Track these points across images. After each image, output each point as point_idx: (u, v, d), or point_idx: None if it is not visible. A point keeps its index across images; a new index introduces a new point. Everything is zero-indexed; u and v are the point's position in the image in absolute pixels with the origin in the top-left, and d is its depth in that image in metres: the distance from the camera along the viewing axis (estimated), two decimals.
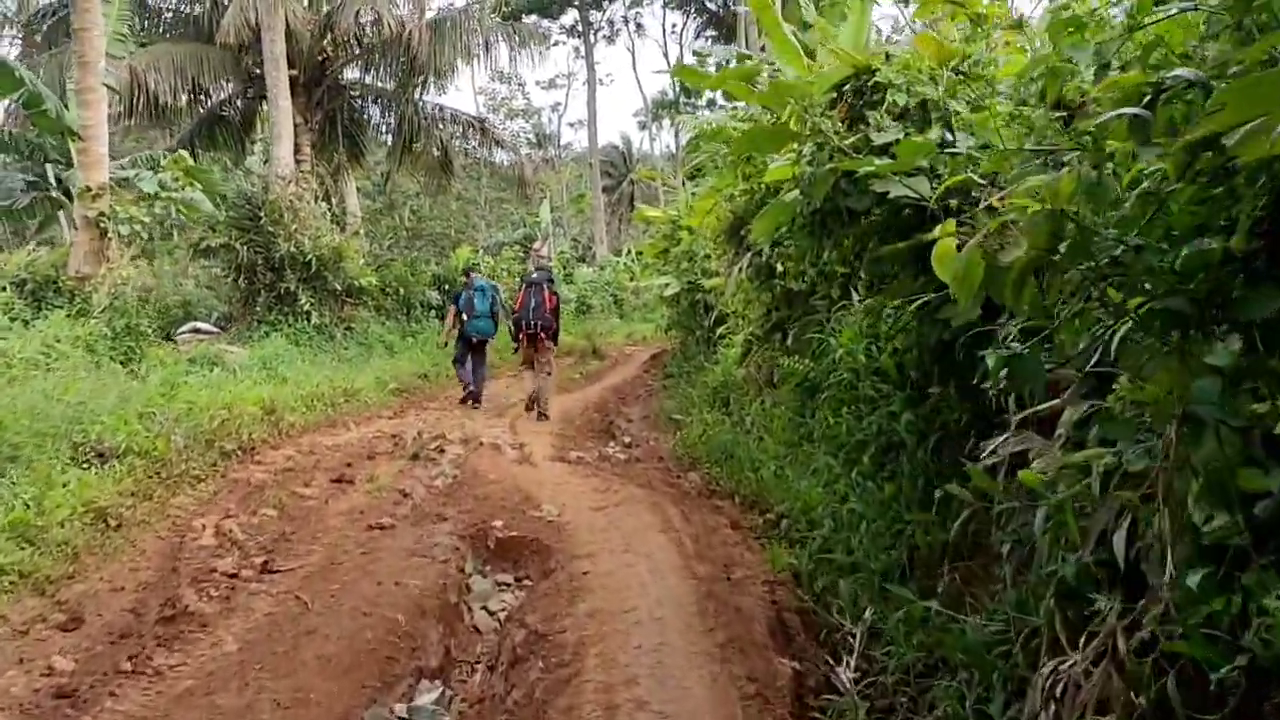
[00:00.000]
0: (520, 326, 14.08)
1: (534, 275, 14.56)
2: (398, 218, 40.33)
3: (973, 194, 4.33)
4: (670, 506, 8.26)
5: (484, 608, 6.87)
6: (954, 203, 4.24)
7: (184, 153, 15.97)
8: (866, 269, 5.49)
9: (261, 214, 19.05)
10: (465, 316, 15.61)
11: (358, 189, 39.93)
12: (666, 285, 13.39)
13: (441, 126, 24.48)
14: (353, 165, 25.98)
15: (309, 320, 19.27)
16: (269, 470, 9.78)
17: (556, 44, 50.44)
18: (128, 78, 19.39)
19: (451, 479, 10.31)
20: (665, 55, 68.78)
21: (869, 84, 5.18)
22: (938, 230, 3.56)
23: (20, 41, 30.89)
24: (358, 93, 24.50)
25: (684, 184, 15.35)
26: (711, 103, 49.04)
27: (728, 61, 14.71)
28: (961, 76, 5.08)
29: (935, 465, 5.64)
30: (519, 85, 53.39)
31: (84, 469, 8.09)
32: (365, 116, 24.83)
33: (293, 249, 18.97)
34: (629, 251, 42.98)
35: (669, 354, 21.03)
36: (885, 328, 6.30)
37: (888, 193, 4.74)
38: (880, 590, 5.39)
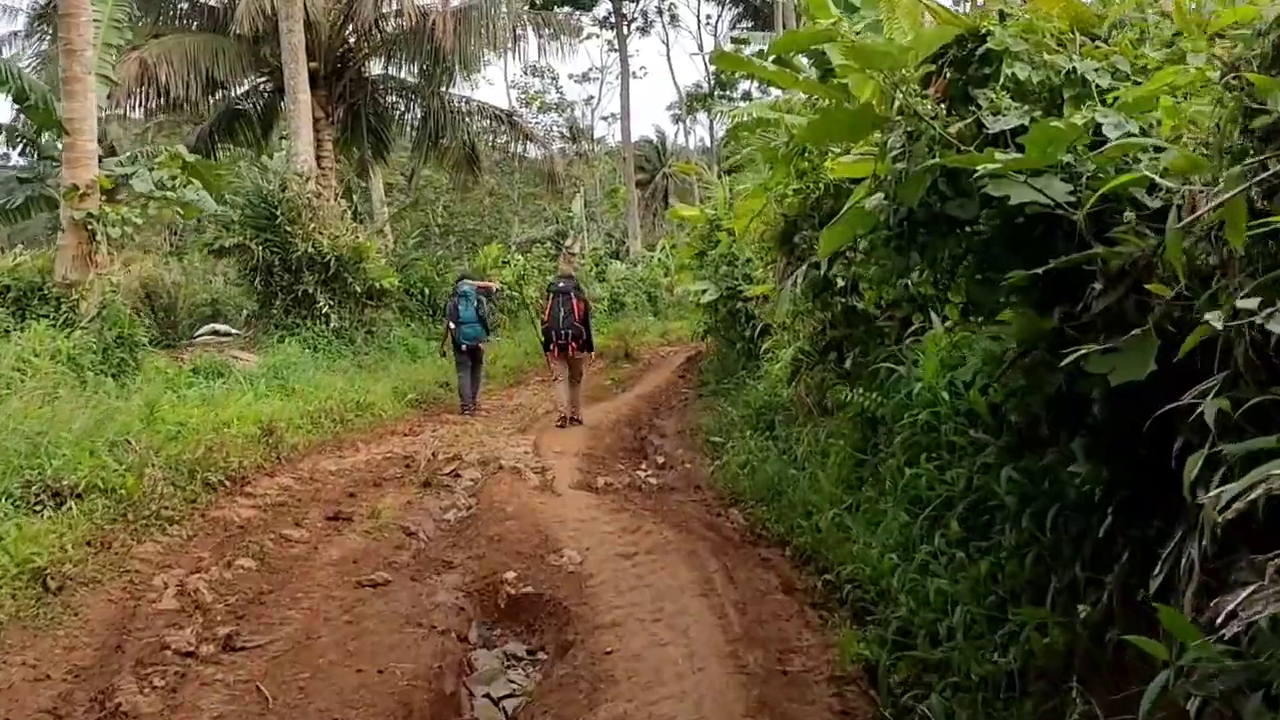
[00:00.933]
0: (550, 337, 13.36)
1: (560, 284, 13.76)
2: (429, 213, 39.46)
3: (1144, 202, 3.06)
4: (710, 559, 7.01)
5: (487, 694, 5.65)
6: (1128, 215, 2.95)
7: (181, 148, 14.84)
8: (967, 292, 4.21)
9: (278, 212, 17.97)
10: (453, 325, 15.43)
11: (389, 185, 39.13)
12: (704, 291, 12.13)
13: (469, 120, 23.28)
14: (378, 161, 24.87)
15: (328, 324, 18.18)
16: (258, 505, 8.61)
17: (589, 37, 49.20)
18: (137, 70, 18.35)
19: (465, 512, 9.15)
20: (700, 47, 67.51)
21: (976, 53, 3.89)
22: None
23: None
24: (382, 85, 23.34)
25: (721, 178, 14.08)
26: (747, 95, 47.75)
27: (767, 50, 13.44)
28: (1101, 44, 3.80)
29: (1048, 542, 4.37)
30: (552, 79, 52.06)
31: (32, 514, 6.93)
32: (391, 110, 23.67)
33: (310, 249, 17.87)
34: (662, 247, 41.71)
35: (704, 356, 19.77)
36: (979, 363, 5.03)
37: (1005, 197, 3.47)
38: (985, 711, 4.14)
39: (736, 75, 41.85)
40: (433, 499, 9.52)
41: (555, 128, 52.41)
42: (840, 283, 6.06)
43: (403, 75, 23.79)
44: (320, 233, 18.19)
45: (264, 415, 11.11)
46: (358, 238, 20.43)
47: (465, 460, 11.02)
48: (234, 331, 21.79)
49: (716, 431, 10.86)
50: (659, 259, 37.92)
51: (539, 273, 28.14)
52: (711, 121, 49.98)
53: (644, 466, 11.24)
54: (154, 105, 19.59)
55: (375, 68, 23.62)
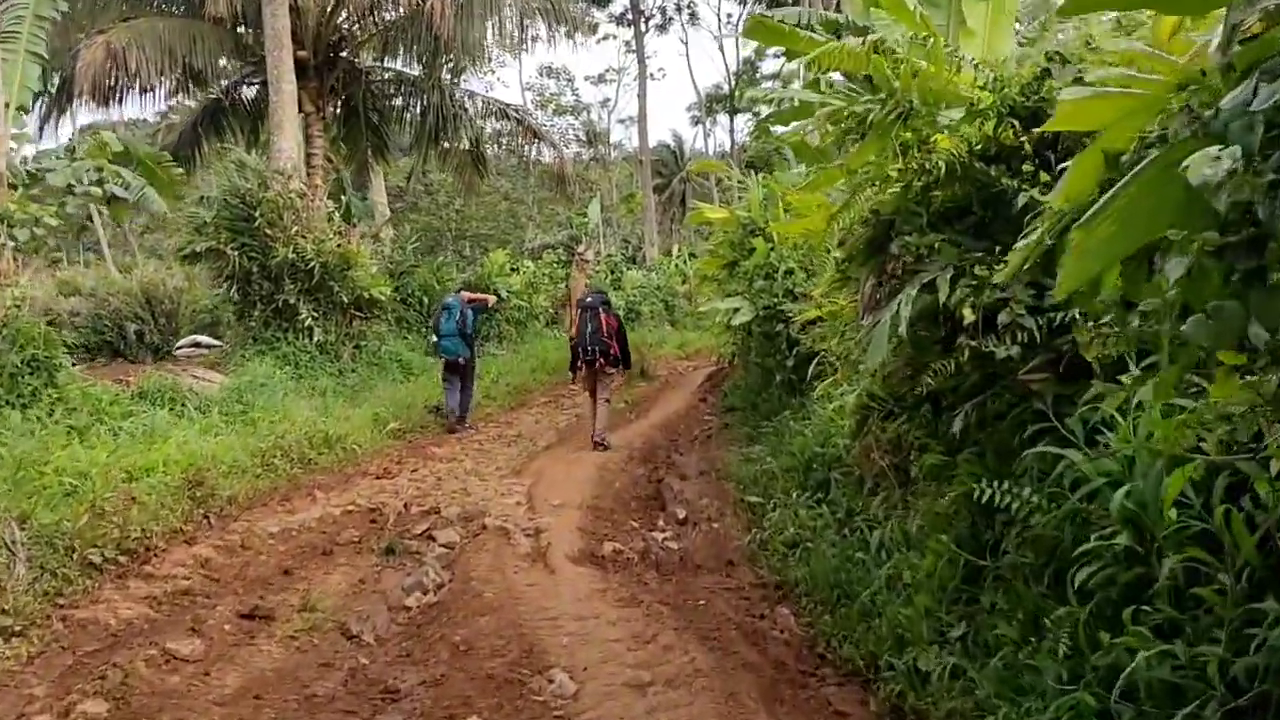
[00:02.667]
0: (578, 354, 12.61)
1: (588, 299, 12.97)
2: (443, 217, 37.42)
3: None
4: (757, 706, 4.78)
5: None
6: None
7: (110, 135, 12.65)
8: None
9: (256, 214, 15.79)
10: (435, 338, 14.60)
11: (400, 188, 36.98)
12: (735, 310, 9.82)
13: (473, 116, 21.05)
14: (378, 160, 22.67)
15: (311, 337, 16.02)
16: (150, 597, 6.38)
17: (606, 38, 47.03)
18: (103, 56, 16.19)
19: (432, 596, 6.94)
20: (720, 48, 65.29)
21: None
22: None
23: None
24: (380, 78, 21.12)
25: (751, 175, 11.77)
26: (770, 101, 45.35)
27: (807, 24, 11.19)
28: None
29: None
30: (567, 81, 49.98)
31: None
32: (390, 105, 21.44)
33: (292, 255, 15.70)
34: (679, 252, 39.56)
35: (726, 375, 17.52)
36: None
37: None
38: None
39: (759, 74, 39.63)
40: (394, 575, 7.31)
41: (571, 131, 50.21)
42: (968, 316, 3.84)
43: (402, 67, 21.54)
44: (304, 237, 16.03)
45: (200, 457, 8.92)
46: (350, 242, 18.36)
47: (443, 515, 8.80)
48: (216, 343, 19.69)
49: (752, 485, 8.60)
50: (676, 265, 35.79)
51: (550, 280, 26.02)
52: (732, 122, 47.57)
53: (661, 523, 8.98)
54: (120, 94, 17.37)
55: (372, 58, 21.39)
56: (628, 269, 34.36)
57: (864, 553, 6.08)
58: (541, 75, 49.85)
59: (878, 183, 4.30)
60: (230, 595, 6.54)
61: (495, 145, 23.36)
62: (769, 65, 44.02)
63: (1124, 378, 3.69)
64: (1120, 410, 3.62)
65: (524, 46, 26.77)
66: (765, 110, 15.42)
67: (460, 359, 14.42)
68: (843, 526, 6.72)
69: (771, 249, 9.61)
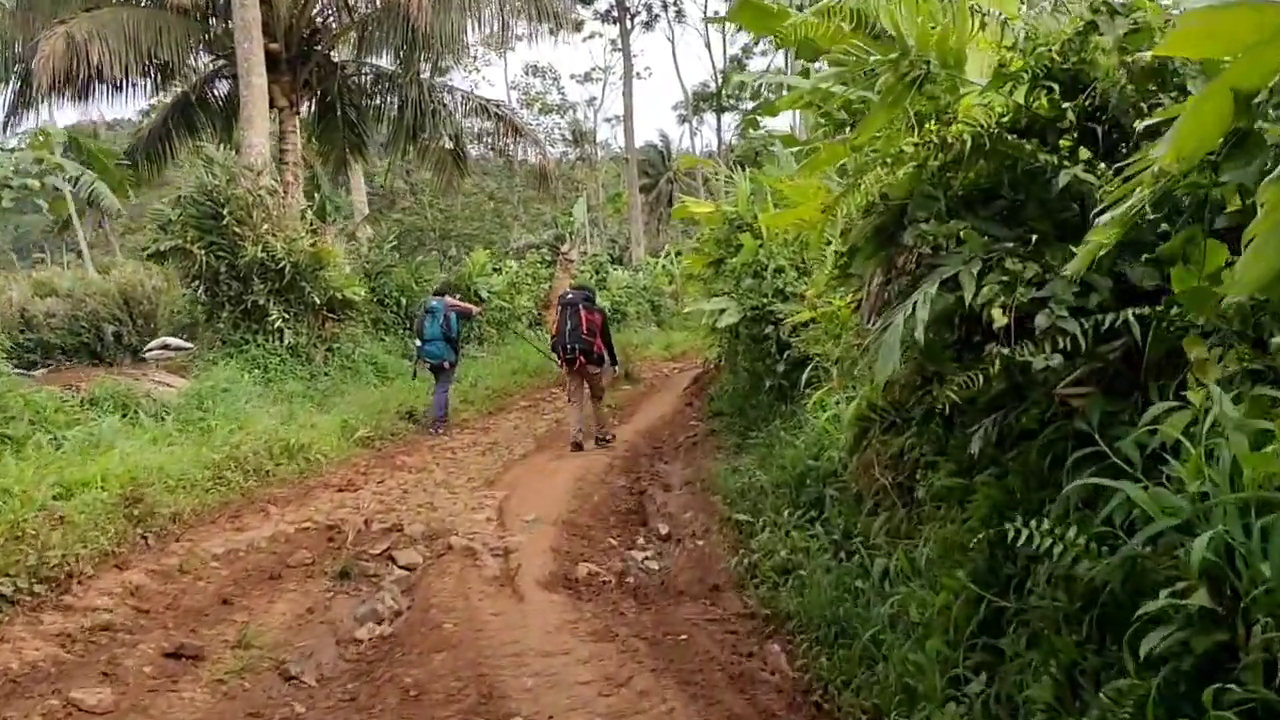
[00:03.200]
0: (558, 352, 12.16)
1: (569, 295, 12.49)
2: (426, 217, 36.67)
3: None
4: None
5: None
6: None
7: (53, 125, 11.92)
8: None
9: (224, 211, 15.05)
10: (418, 342, 14.30)
11: (387, 189, 36.16)
12: (721, 312, 9.07)
13: (452, 112, 20.28)
14: (355, 157, 21.92)
15: (281, 339, 15.28)
16: (64, 633, 5.64)
17: (592, 36, 46.27)
18: (63, 48, 15.41)
19: (387, 626, 6.25)
20: (707, 45, 64.57)
21: None
22: None
23: None
24: (354, 72, 20.34)
25: (739, 170, 11.05)
26: (757, 95, 44.69)
27: (800, 4, 10.49)
28: None
29: None
30: (553, 79, 49.13)
31: None
32: (368, 100, 20.66)
33: (261, 254, 14.97)
34: (667, 252, 38.85)
35: (713, 377, 16.83)
36: None
37: None
38: None
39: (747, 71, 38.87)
40: (346, 602, 6.61)
41: (557, 130, 49.46)
42: (999, 319, 3.14)
43: (379, 62, 20.77)
44: (274, 235, 15.31)
45: (143, 470, 8.19)
46: (325, 241, 17.65)
47: (406, 532, 8.09)
48: (187, 345, 18.90)
49: (740, 500, 7.89)
50: (663, 266, 35.11)
51: (533, 280, 25.28)
52: (719, 121, 46.83)
53: (641, 541, 8.30)
54: (84, 87, 16.60)
55: (348, 52, 20.64)
56: (613, 269, 33.64)
57: (864, 581, 5.39)
58: (527, 74, 49.00)
59: (888, 162, 3.62)
60: (158, 630, 5.82)
61: (477, 143, 22.60)
62: (757, 64, 43.39)
63: (1190, 394, 3.02)
64: (1187, 434, 2.94)
65: (506, 42, 26.11)
66: (754, 101, 14.77)
67: (445, 363, 14.08)
68: (839, 550, 6.03)
69: (760, 245, 8.89)
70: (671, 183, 55.66)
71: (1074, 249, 3.26)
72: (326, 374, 15.38)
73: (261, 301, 15.15)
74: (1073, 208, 3.42)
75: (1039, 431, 3.84)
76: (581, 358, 11.84)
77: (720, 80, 43.71)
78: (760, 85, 10.40)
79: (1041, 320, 3.19)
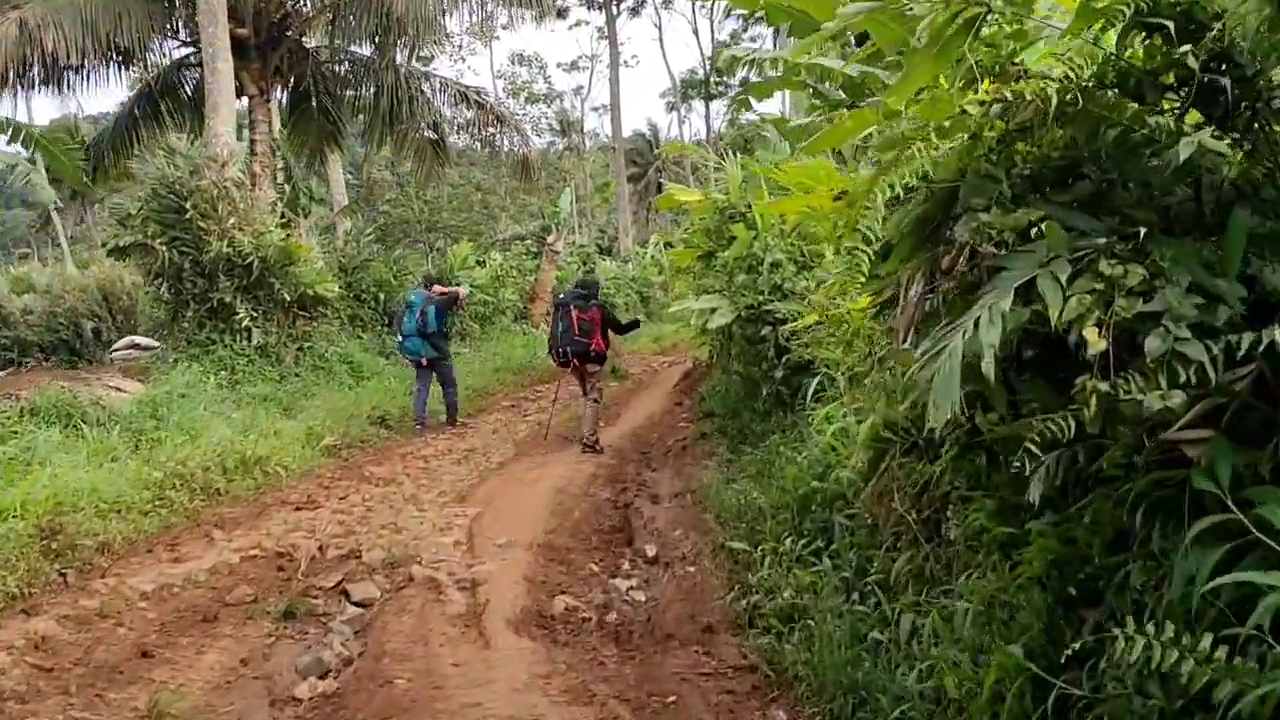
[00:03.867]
0: (553, 357, 11.85)
1: (560, 296, 12.36)
2: (414, 209, 35.76)
3: None
4: None
5: None
6: None
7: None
8: None
9: (187, 205, 14.11)
10: (400, 338, 13.90)
11: (369, 176, 35.14)
12: (713, 311, 8.09)
13: (430, 99, 19.28)
14: (331, 147, 20.94)
15: (249, 339, 14.35)
16: None
17: (579, 24, 45.22)
18: (15, 33, 14.44)
19: (332, 680, 5.36)
20: (695, 31, 63.45)
21: None
22: None
23: None
24: (329, 59, 19.33)
25: (730, 157, 10.09)
26: (746, 82, 43.57)
27: None
28: None
29: None
30: (539, 68, 48.07)
31: None
32: (343, 88, 19.64)
33: (227, 249, 14.04)
34: (655, 242, 37.96)
35: (702, 374, 15.95)
36: None
37: None
38: None
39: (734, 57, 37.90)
40: (288, 651, 5.72)
41: (544, 120, 48.43)
42: (1095, 342, 2.26)
43: (355, 47, 19.76)
44: (241, 229, 14.36)
45: (71, 494, 7.28)
46: (297, 235, 16.77)
47: (365, 560, 7.20)
48: (156, 345, 17.99)
49: (735, 522, 7.00)
50: (652, 256, 34.22)
51: (518, 272, 24.37)
52: (708, 109, 45.72)
53: (626, 565, 7.42)
54: (37, 75, 15.64)
55: (322, 37, 19.63)
56: (602, 260, 32.71)
57: (884, 633, 4.53)
58: (513, 63, 47.90)
59: (931, 134, 2.73)
60: (56, 697, 4.91)
61: (458, 132, 21.66)
62: (747, 44, 42.33)
63: None
64: None
65: (489, 28, 25.09)
66: (750, 79, 13.74)
67: (423, 359, 13.42)
68: (852, 590, 5.16)
69: (755, 237, 7.97)
70: (660, 172, 54.68)
71: (1190, 243, 2.39)
72: (297, 375, 14.45)
73: (228, 299, 14.23)
74: (1184, 190, 2.53)
75: (1123, 479, 2.97)
76: (576, 360, 11.41)
77: (708, 67, 42.68)
78: (753, 60, 9.43)
79: (1154, 344, 2.31)
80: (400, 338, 13.89)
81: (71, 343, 22.86)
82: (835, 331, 5.43)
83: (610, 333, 11.99)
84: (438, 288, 14.22)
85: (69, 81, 17.66)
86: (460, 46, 44.08)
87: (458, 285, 16.21)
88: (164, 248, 14.11)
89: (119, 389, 12.00)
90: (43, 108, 70.30)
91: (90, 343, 22.37)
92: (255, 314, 14.44)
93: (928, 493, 4.70)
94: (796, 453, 6.58)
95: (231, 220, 14.34)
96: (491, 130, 21.42)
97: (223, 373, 13.74)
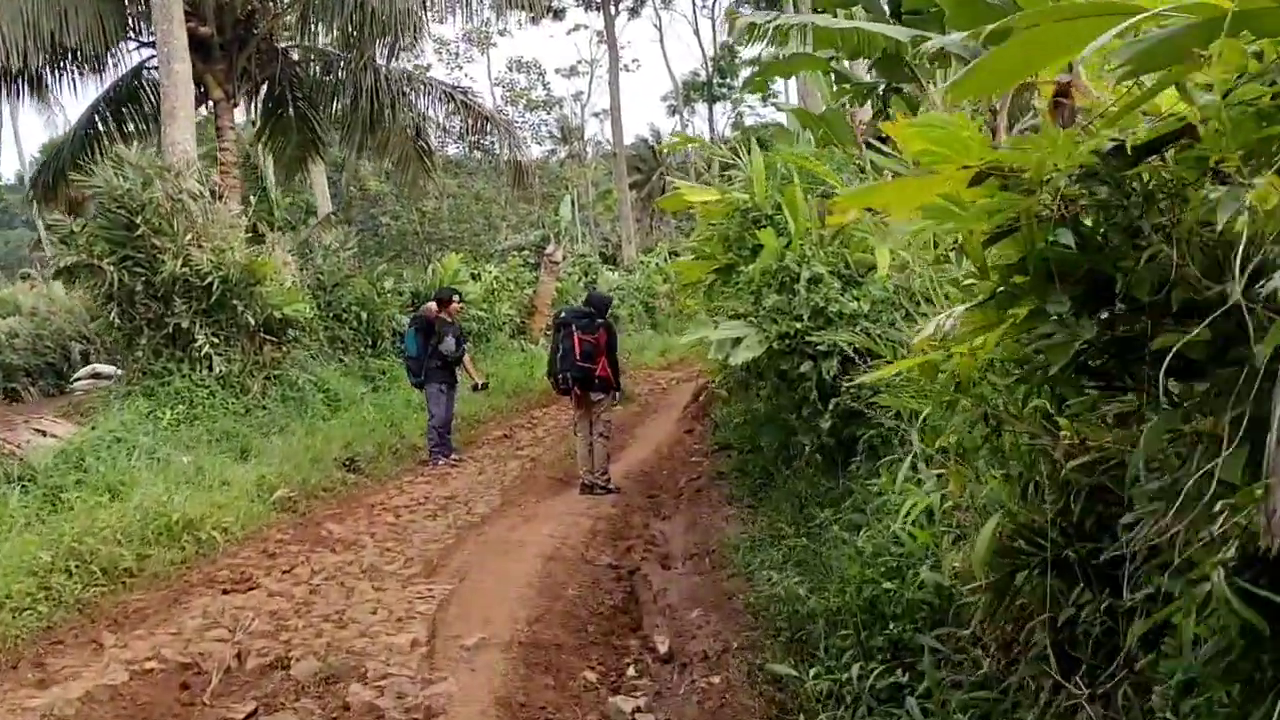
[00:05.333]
0: (553, 382, 10.29)
1: (562, 314, 10.48)
2: (407, 220, 34.39)
3: None
4: None
5: None
6: None
7: None
8: None
9: (139, 220, 12.43)
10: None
11: (347, 185, 33.45)
12: (736, 342, 6.16)
13: (413, 101, 17.51)
14: (312, 155, 19.21)
15: (210, 368, 12.65)
16: None
17: (577, 28, 43.45)
18: None
19: None
20: (696, 32, 61.70)
21: None
22: None
23: None
24: (301, 58, 17.56)
25: (749, 149, 8.27)
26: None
27: None
28: None
29: None
30: (538, 74, 46.34)
31: None
32: (320, 91, 17.88)
33: (182, 269, 12.36)
34: (659, 251, 36.27)
35: (713, 397, 14.20)
36: None
37: None
38: None
39: (739, 60, 36.14)
40: None
41: (544, 127, 46.75)
42: None
43: (329, 46, 18.03)
44: (199, 246, 12.67)
45: None
46: (274, 250, 15.11)
47: (294, 673, 5.45)
48: (119, 373, 16.35)
49: (774, 624, 5.24)
50: (657, 265, 32.54)
51: (515, 285, 22.68)
52: (711, 111, 43.93)
53: (633, 669, 5.67)
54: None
55: (293, 36, 17.89)
56: (605, 270, 30.95)
57: None
58: (511, 69, 46.15)
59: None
60: None
61: (444, 135, 19.95)
62: (750, 50, 40.67)
63: None
64: None
65: (481, 32, 23.41)
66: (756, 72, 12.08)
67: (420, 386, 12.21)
68: None
69: (786, 245, 6.17)
70: (664, 178, 52.94)
71: None
72: (264, 407, 12.74)
73: (185, 324, 12.54)
74: None
75: None
76: (578, 388, 9.89)
77: (711, 68, 40.92)
78: (775, 29, 7.70)
79: None
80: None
81: (59, 366, 21.41)
82: (921, 379, 3.69)
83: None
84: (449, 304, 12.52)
85: (19, 90, 16.05)
86: (457, 54, 42.50)
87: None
88: (113, 268, 12.45)
89: (46, 433, 10.29)
90: (34, 131, 68.58)
91: (78, 366, 20.90)
92: (216, 340, 12.75)
93: (1090, 632, 2.97)
94: (858, 536, 4.81)
95: (189, 236, 12.66)
96: (477, 134, 19.68)
97: (180, 406, 12.07)
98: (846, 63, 10.38)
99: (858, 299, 5.40)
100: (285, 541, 8.25)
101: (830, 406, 5.27)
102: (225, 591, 6.89)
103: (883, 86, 8.92)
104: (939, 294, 4.80)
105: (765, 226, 6.65)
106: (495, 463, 11.70)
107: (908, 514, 4.39)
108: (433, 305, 12.35)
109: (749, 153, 7.45)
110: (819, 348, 5.28)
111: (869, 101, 10.25)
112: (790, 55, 8.99)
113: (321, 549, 8.05)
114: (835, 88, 10.41)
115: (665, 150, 38.45)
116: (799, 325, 5.46)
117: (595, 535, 8.22)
